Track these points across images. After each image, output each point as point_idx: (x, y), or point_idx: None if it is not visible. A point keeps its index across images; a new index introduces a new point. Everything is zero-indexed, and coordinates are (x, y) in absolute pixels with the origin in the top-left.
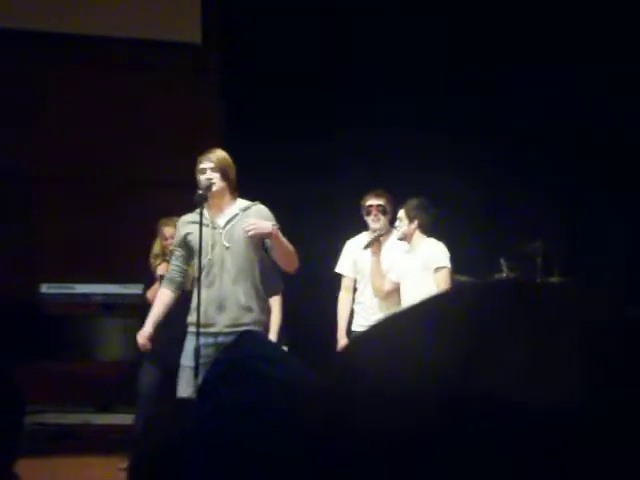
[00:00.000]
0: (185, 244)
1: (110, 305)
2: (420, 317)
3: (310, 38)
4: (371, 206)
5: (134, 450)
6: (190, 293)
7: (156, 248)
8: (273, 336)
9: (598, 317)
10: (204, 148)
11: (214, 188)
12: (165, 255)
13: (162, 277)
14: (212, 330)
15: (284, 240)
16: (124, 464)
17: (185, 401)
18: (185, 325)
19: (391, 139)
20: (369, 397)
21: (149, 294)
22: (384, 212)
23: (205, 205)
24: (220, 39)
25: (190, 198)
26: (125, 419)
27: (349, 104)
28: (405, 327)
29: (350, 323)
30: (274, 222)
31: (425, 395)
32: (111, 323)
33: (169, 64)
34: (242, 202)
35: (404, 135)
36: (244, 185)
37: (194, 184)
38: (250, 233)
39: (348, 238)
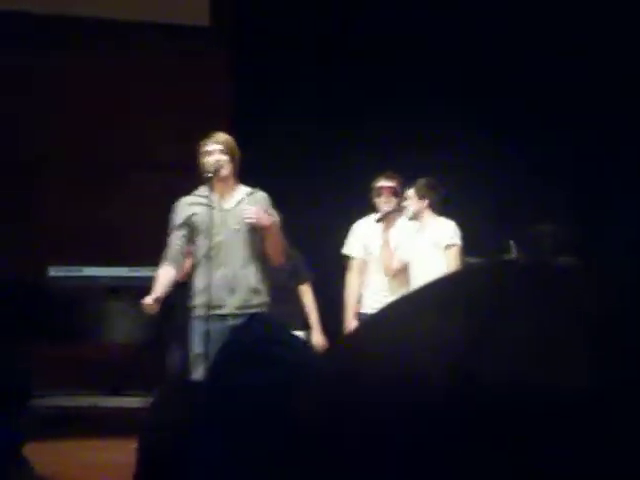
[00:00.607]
0: (189, 225)
1: (118, 288)
2: (429, 299)
3: (321, 19)
4: (382, 187)
5: (144, 430)
6: (189, 277)
7: None
8: (316, 325)
9: (608, 299)
10: (212, 132)
11: (223, 171)
12: None
13: None
14: (222, 312)
15: (278, 235)
16: (135, 444)
17: (194, 383)
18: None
19: (401, 121)
20: (378, 380)
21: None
22: (395, 194)
23: (209, 187)
24: (228, 22)
25: (196, 183)
26: (134, 402)
27: (360, 87)
28: (413, 309)
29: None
30: (274, 211)
31: (433, 378)
32: (119, 306)
33: (177, 47)
34: (244, 187)
35: (414, 117)
36: (254, 169)
37: (197, 169)
38: (249, 221)
39: (356, 220)
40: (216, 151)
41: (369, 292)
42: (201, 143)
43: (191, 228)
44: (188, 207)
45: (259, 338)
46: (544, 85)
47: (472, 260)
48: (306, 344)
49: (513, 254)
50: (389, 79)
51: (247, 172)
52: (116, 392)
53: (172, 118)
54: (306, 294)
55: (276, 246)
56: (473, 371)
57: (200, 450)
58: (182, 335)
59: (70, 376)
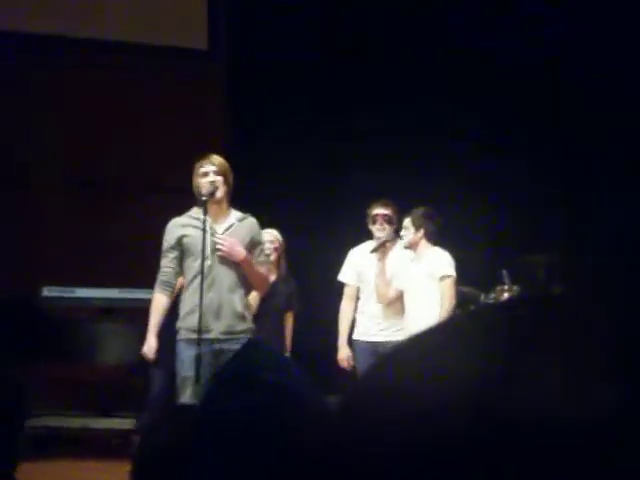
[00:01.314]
0: (180, 246)
1: (111, 309)
2: (451, 333)
3: (317, 43)
4: (377, 215)
5: (136, 454)
6: (177, 298)
7: None
8: (288, 350)
9: (624, 327)
10: (208, 153)
11: (218, 193)
12: None
13: None
14: (208, 337)
15: (254, 267)
16: (128, 467)
17: (186, 407)
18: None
19: (395, 147)
20: (404, 415)
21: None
22: (390, 222)
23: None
24: (226, 45)
25: (191, 203)
26: (125, 424)
27: (355, 111)
28: (437, 343)
29: (351, 332)
30: (261, 238)
31: (461, 412)
32: (111, 327)
33: (175, 70)
34: (236, 212)
35: (408, 144)
36: (248, 192)
37: (191, 190)
38: (220, 253)
39: (351, 247)
40: (211, 173)
41: (363, 319)
42: (197, 164)
43: (181, 249)
44: (180, 228)
45: (253, 364)
46: (537, 111)
47: (466, 289)
48: (300, 370)
49: (506, 284)
50: (383, 105)
51: (241, 195)
52: (107, 413)
53: (170, 139)
54: (289, 321)
55: (252, 277)
56: (499, 405)
57: (193, 474)
58: (164, 357)
59: (61, 397)
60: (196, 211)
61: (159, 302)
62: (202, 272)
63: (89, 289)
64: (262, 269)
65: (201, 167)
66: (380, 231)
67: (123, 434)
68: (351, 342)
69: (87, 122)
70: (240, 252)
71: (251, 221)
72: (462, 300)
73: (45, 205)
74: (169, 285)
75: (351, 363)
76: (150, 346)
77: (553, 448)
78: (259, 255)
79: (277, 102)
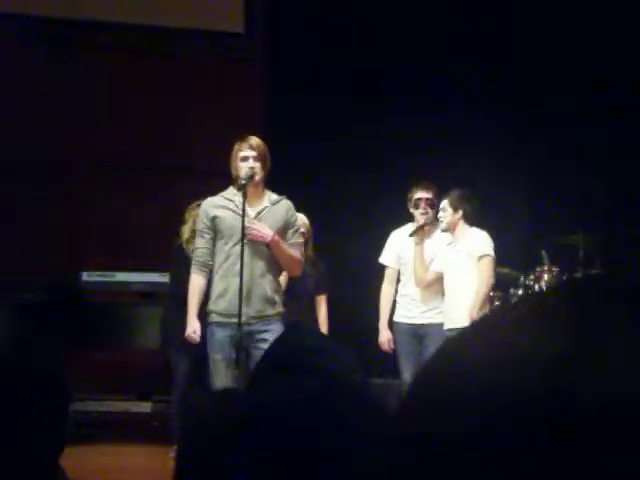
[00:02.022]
0: (213, 227)
1: (150, 293)
2: (521, 315)
3: (356, 27)
4: (420, 199)
5: (181, 440)
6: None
7: (186, 232)
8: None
9: None
10: (246, 136)
11: (256, 178)
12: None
13: None
14: (236, 320)
15: (284, 249)
16: (173, 452)
17: (230, 391)
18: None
19: (434, 132)
20: (480, 397)
21: None
22: (432, 205)
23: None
24: (263, 29)
25: (226, 186)
26: (166, 407)
27: (394, 94)
28: (506, 325)
29: (392, 314)
30: (298, 221)
31: (540, 392)
32: (151, 311)
33: (211, 53)
34: (271, 195)
35: (447, 128)
36: (286, 177)
37: (230, 174)
38: (249, 237)
39: (392, 230)
40: (251, 158)
41: (403, 301)
42: (236, 146)
43: (214, 230)
44: (213, 209)
45: (300, 348)
46: (578, 95)
47: (504, 270)
48: (347, 353)
49: (545, 265)
50: (424, 90)
51: (277, 179)
52: (148, 397)
53: (206, 123)
54: (321, 305)
55: (283, 260)
56: (569, 387)
57: (238, 461)
58: (186, 340)
59: (102, 381)
60: (231, 192)
61: (196, 283)
62: (242, 255)
63: (129, 273)
64: (294, 251)
65: (240, 151)
66: (423, 215)
67: (164, 418)
68: (392, 325)
69: (126, 107)
70: (267, 234)
71: (285, 203)
72: (501, 281)
73: (84, 190)
74: (205, 265)
75: (392, 346)
76: (194, 329)
77: (618, 429)
78: (292, 237)
79: (315, 85)
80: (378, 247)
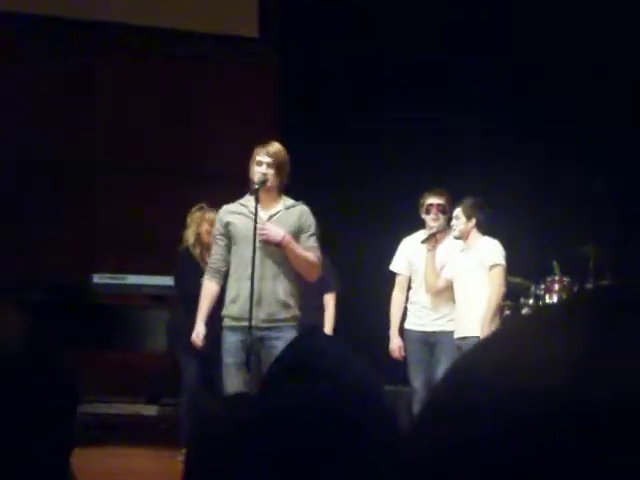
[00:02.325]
0: (228, 233)
1: (161, 297)
2: (535, 326)
3: (369, 30)
4: (431, 205)
5: (191, 443)
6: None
7: (191, 236)
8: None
9: None
10: (259, 142)
11: (268, 184)
12: (202, 243)
13: None
14: (248, 324)
15: (296, 250)
16: (181, 456)
17: (241, 395)
18: (219, 313)
19: (448, 139)
20: (493, 406)
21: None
22: (444, 211)
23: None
24: (277, 33)
25: (243, 192)
26: (174, 410)
27: (409, 103)
28: (521, 337)
29: (403, 321)
30: (314, 225)
31: (551, 403)
32: (161, 314)
33: (225, 58)
34: (287, 200)
35: (460, 136)
36: (300, 182)
37: (246, 179)
38: (260, 238)
39: (403, 237)
40: (265, 164)
41: (413, 309)
42: (255, 150)
43: (228, 237)
44: (228, 215)
45: (313, 352)
46: (592, 106)
47: (515, 280)
48: (361, 358)
49: (557, 275)
50: (437, 95)
51: (290, 182)
52: (157, 400)
53: (221, 127)
54: (329, 304)
55: (297, 262)
56: (589, 396)
57: (249, 465)
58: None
59: (111, 383)
60: (247, 198)
61: (207, 289)
62: (253, 259)
63: (140, 276)
64: (309, 255)
65: (257, 155)
66: (434, 221)
67: (172, 420)
68: (402, 332)
69: (139, 110)
70: (277, 233)
71: (300, 208)
72: (512, 291)
73: (96, 193)
74: (217, 272)
75: (402, 353)
76: (198, 333)
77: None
78: (306, 241)
79: (330, 88)
80: (390, 253)
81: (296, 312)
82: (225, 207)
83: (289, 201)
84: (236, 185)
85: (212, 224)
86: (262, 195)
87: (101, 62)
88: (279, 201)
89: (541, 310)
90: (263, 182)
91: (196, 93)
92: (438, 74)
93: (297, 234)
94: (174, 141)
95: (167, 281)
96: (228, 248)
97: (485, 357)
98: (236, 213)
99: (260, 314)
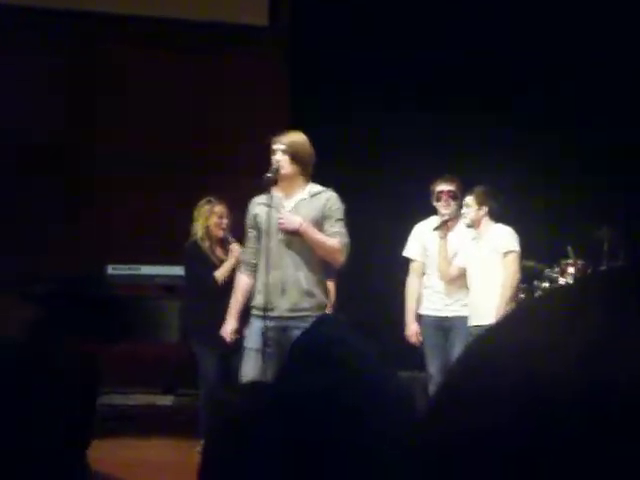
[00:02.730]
0: (255, 225)
1: (174, 287)
2: (549, 308)
3: (379, 15)
4: (442, 192)
5: (207, 434)
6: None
7: (199, 229)
8: None
9: None
10: (270, 132)
11: (282, 171)
12: (211, 236)
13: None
14: (274, 314)
15: (317, 237)
16: (199, 447)
17: (257, 384)
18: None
19: (459, 125)
20: (513, 389)
21: (221, 275)
22: (454, 197)
23: (276, 187)
24: (287, 21)
25: (257, 183)
26: (190, 400)
27: (417, 90)
28: (535, 319)
29: (418, 307)
30: (340, 211)
31: (564, 387)
32: (175, 305)
33: (235, 47)
34: (314, 187)
35: (472, 121)
36: (316, 175)
37: (261, 169)
38: (280, 227)
39: (416, 222)
40: (278, 151)
41: (427, 293)
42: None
43: (257, 228)
44: (255, 207)
45: (329, 340)
46: (599, 91)
47: (529, 264)
48: (374, 346)
49: (571, 258)
50: (447, 83)
51: None
52: (172, 391)
53: (232, 119)
54: (330, 290)
55: (321, 248)
56: (606, 377)
57: (259, 451)
58: (211, 334)
59: (127, 374)
60: (275, 188)
61: (239, 282)
62: (267, 248)
63: (154, 266)
64: (332, 241)
65: (273, 144)
66: (445, 207)
67: (189, 411)
68: (418, 317)
69: (151, 101)
70: (294, 222)
71: (326, 195)
72: (526, 274)
73: (110, 184)
74: (249, 264)
75: (419, 339)
76: (226, 328)
77: None
78: (332, 227)
79: (339, 75)
80: (404, 239)
81: (322, 300)
82: (254, 199)
83: (316, 188)
84: (250, 175)
85: (221, 217)
86: (284, 184)
87: (104, 54)
88: (304, 188)
89: (553, 292)
90: (276, 170)
91: (206, 83)
92: (451, 60)
93: (321, 220)
94: (187, 131)
95: (180, 271)
96: (259, 240)
97: (498, 340)
98: (261, 204)
99: (284, 304)
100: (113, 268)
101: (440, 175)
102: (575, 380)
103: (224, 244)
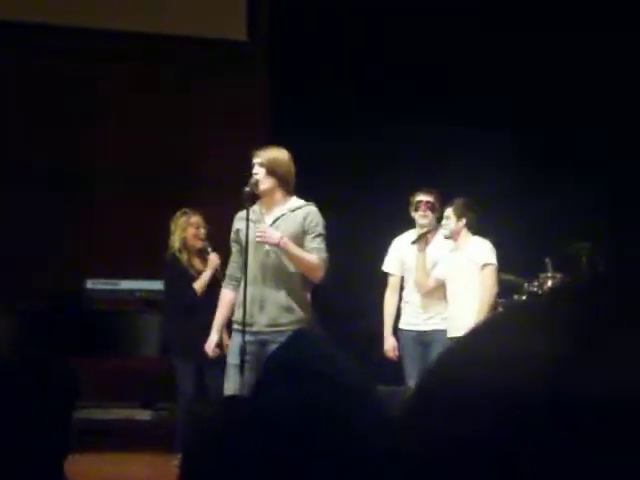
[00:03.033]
0: (238, 239)
1: (154, 301)
2: (521, 317)
3: (358, 31)
4: (420, 202)
5: (184, 448)
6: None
7: (177, 241)
8: None
9: None
10: (251, 146)
11: (260, 186)
12: (188, 248)
13: (218, 272)
14: (253, 329)
15: (296, 252)
16: (176, 461)
17: (234, 398)
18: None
19: (439, 137)
20: (479, 396)
21: (199, 287)
22: (432, 209)
23: (257, 202)
24: (266, 36)
25: (238, 196)
26: (169, 415)
27: (397, 100)
28: (507, 327)
29: (397, 321)
30: (320, 226)
31: (535, 396)
32: (154, 319)
33: (215, 62)
34: (295, 201)
35: (452, 133)
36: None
37: (238, 183)
38: (257, 239)
39: (395, 236)
40: (256, 164)
41: (407, 308)
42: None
43: (239, 243)
44: (238, 222)
45: (304, 353)
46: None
47: (507, 277)
48: (351, 360)
49: (549, 271)
50: (430, 96)
51: None
52: (151, 405)
53: (214, 133)
54: None
55: (297, 263)
56: (571, 389)
57: (238, 466)
58: (188, 348)
59: (106, 389)
60: (257, 203)
61: (223, 297)
62: (245, 263)
63: (133, 281)
64: (310, 256)
65: (253, 158)
66: (423, 218)
67: (167, 425)
68: (396, 331)
69: (130, 117)
70: (273, 236)
71: (305, 210)
72: (505, 288)
73: (89, 198)
74: (232, 278)
75: (397, 353)
76: (209, 342)
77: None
78: (311, 242)
79: (319, 90)
80: (384, 253)
81: (301, 315)
82: (238, 214)
83: (297, 202)
84: (231, 190)
85: (198, 227)
86: (265, 199)
87: (88, 69)
88: (285, 203)
89: (525, 304)
90: (255, 184)
91: (185, 99)
92: (429, 74)
93: (301, 235)
94: (163, 147)
95: (159, 285)
96: (240, 254)
97: (470, 350)
98: (243, 219)
99: (263, 319)
100: (92, 282)
101: (419, 186)
102: (548, 389)
103: (203, 254)
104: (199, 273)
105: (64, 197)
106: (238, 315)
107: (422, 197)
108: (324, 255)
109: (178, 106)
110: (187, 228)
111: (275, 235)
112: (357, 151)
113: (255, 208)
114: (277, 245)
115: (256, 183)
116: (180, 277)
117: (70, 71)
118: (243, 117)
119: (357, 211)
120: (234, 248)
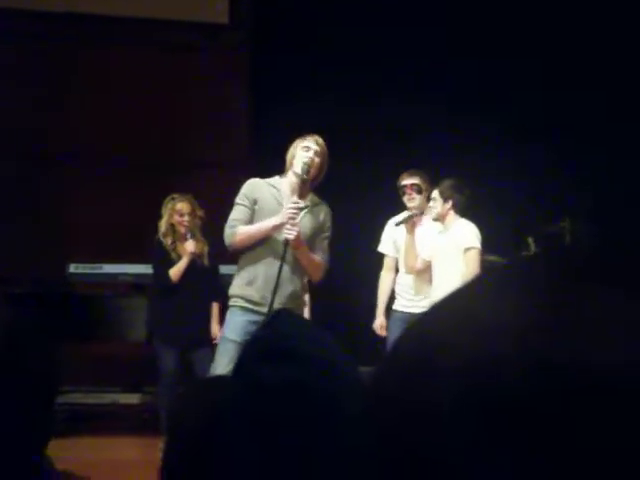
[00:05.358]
0: (252, 206)
1: (138, 285)
2: (496, 284)
3: (341, 16)
4: (405, 185)
5: (168, 430)
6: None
7: (163, 226)
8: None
9: None
10: (234, 130)
11: (311, 171)
12: (175, 233)
13: (193, 255)
14: (263, 310)
15: (305, 252)
16: (162, 444)
17: (218, 379)
18: (196, 302)
19: (426, 119)
20: (450, 366)
21: (173, 274)
22: (419, 191)
23: (279, 181)
24: (248, 19)
25: (222, 180)
26: (153, 399)
27: (385, 83)
28: (481, 295)
29: (391, 302)
30: (331, 229)
31: (507, 361)
32: (138, 303)
33: (196, 45)
34: (313, 196)
35: (438, 115)
36: (279, 170)
37: (221, 166)
38: (286, 235)
39: (390, 217)
40: (313, 149)
41: (399, 290)
42: (299, 139)
43: (252, 210)
44: (259, 188)
45: (286, 335)
46: (562, 83)
47: (491, 258)
48: (333, 340)
49: (532, 250)
50: (415, 79)
51: (271, 168)
52: (137, 389)
53: (198, 115)
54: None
55: (306, 263)
56: (545, 354)
57: (227, 446)
58: (170, 332)
59: (90, 373)
60: (276, 180)
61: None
62: (284, 253)
63: (116, 265)
64: (318, 259)
65: (304, 140)
66: (410, 201)
67: (152, 409)
68: (390, 312)
69: (114, 99)
70: (292, 231)
71: (325, 209)
72: (487, 270)
73: (72, 182)
74: (243, 224)
75: (384, 333)
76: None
77: (616, 395)
78: (322, 242)
79: (302, 71)
80: (379, 234)
81: (301, 302)
82: (254, 181)
83: (315, 198)
84: (215, 172)
85: (182, 214)
86: (300, 185)
87: (69, 51)
88: (307, 196)
89: (496, 272)
90: (307, 170)
91: (169, 82)
92: (415, 58)
93: (317, 232)
94: (145, 132)
95: (143, 269)
96: (251, 219)
97: (442, 319)
98: (268, 193)
99: (275, 303)
100: (75, 267)
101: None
102: (517, 359)
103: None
104: (180, 258)
105: (44, 181)
106: (249, 292)
107: (408, 180)
108: (328, 258)
109: (161, 89)
110: (173, 214)
111: (292, 232)
112: (349, 132)
113: (280, 187)
114: (294, 241)
115: (309, 170)
116: (161, 261)
117: (53, 54)
118: (226, 102)
119: (353, 192)
120: (243, 207)
